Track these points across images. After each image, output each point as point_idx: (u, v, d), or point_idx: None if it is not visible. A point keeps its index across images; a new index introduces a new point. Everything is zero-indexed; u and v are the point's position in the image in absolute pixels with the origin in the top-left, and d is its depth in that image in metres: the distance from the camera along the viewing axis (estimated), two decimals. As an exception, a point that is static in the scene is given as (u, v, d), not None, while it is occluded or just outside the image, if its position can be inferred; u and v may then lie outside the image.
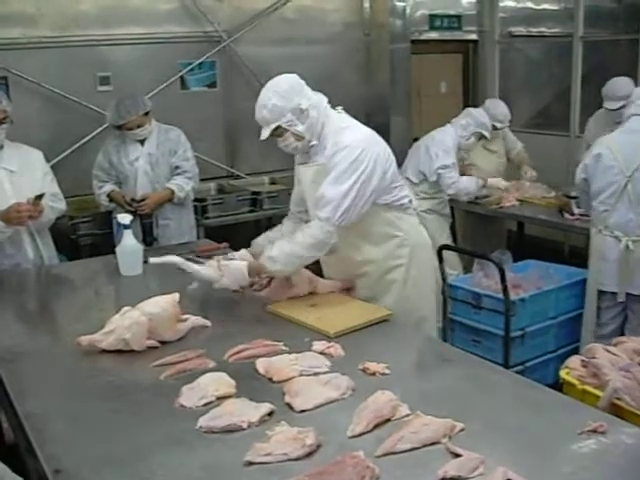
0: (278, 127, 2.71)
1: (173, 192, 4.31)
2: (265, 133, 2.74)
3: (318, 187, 2.74)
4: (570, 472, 1.62)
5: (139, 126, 4.22)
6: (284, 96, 2.69)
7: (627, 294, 3.82)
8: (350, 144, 2.69)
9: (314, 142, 2.77)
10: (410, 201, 2.99)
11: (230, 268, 2.74)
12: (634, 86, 4.67)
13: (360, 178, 2.66)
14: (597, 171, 3.83)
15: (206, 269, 2.78)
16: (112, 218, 4.39)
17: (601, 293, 3.93)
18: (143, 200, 4.19)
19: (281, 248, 2.70)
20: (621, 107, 4.30)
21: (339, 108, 2.88)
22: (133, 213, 3.96)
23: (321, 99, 2.81)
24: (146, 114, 4.24)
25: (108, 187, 4.35)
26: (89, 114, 5.29)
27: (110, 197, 4.34)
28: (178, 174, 4.37)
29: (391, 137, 5.81)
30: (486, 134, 5.21)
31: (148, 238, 4.11)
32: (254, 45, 6.08)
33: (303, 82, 2.78)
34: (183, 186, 4.34)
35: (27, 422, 1.93)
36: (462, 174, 5.24)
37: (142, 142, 4.32)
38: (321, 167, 2.76)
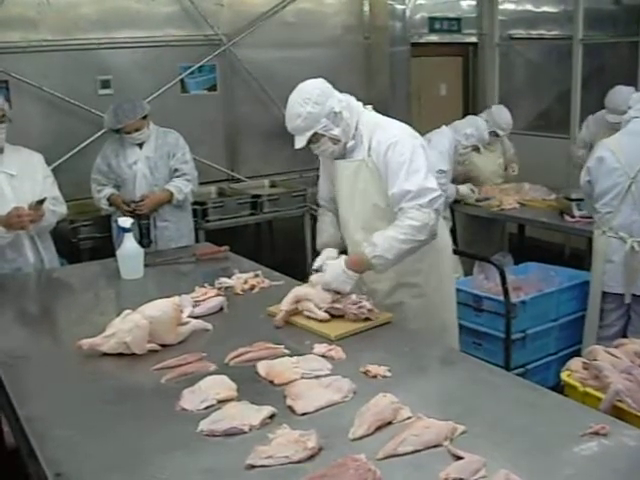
0: (314, 134, 2.70)
1: (172, 194, 4.31)
2: (301, 142, 2.72)
3: (357, 182, 2.79)
4: (572, 474, 1.61)
5: (137, 130, 4.23)
6: (317, 102, 2.67)
7: (632, 295, 3.82)
8: (397, 139, 2.71)
9: (351, 142, 2.79)
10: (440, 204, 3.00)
11: (330, 265, 2.71)
12: None
13: (424, 165, 2.69)
14: (600, 173, 3.84)
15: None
16: (112, 222, 4.41)
17: (605, 295, 3.93)
18: (142, 200, 4.19)
19: (381, 233, 2.67)
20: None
21: (369, 107, 2.90)
22: (131, 215, 3.96)
23: (349, 98, 2.83)
24: (144, 118, 4.25)
25: (107, 191, 4.36)
26: (90, 118, 5.30)
27: (110, 201, 4.35)
28: (177, 176, 4.38)
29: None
30: (481, 148, 5.25)
31: (145, 240, 4.09)
32: (254, 48, 6.09)
33: (329, 85, 2.78)
34: (182, 188, 4.34)
35: (28, 426, 1.93)
36: (466, 176, 5.29)
37: (140, 145, 4.33)
38: (362, 162, 2.78)
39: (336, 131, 2.73)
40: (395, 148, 2.69)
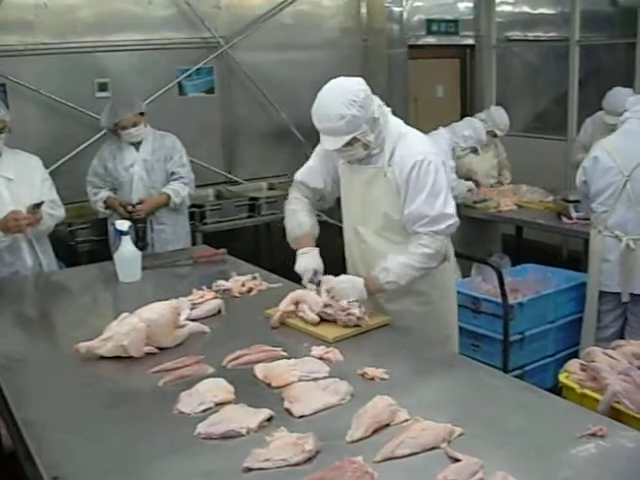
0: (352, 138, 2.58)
1: (169, 197, 4.31)
2: (337, 144, 2.59)
3: (371, 189, 2.74)
4: (569, 476, 1.61)
5: (134, 125, 4.22)
6: (363, 106, 2.54)
7: (630, 295, 3.83)
8: (424, 158, 2.63)
9: (376, 150, 2.70)
10: None
11: (349, 277, 2.71)
12: None
13: (445, 187, 2.67)
14: (596, 173, 3.86)
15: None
16: (109, 225, 4.41)
17: (602, 295, 3.94)
18: (139, 204, 4.19)
19: (395, 258, 2.65)
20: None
21: (389, 110, 2.79)
22: (128, 218, 3.97)
23: (382, 105, 2.72)
24: (141, 114, 4.25)
25: (104, 193, 4.36)
26: (87, 120, 5.29)
27: (106, 204, 4.34)
28: (174, 180, 4.38)
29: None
30: (479, 150, 5.26)
31: (140, 243, 4.06)
32: (252, 51, 6.09)
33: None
34: (179, 191, 4.35)
35: (25, 429, 1.93)
36: (467, 177, 5.33)
37: (137, 148, 4.32)
38: (380, 170, 2.71)
39: (370, 137, 2.62)
40: (421, 167, 2.62)
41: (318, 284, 2.70)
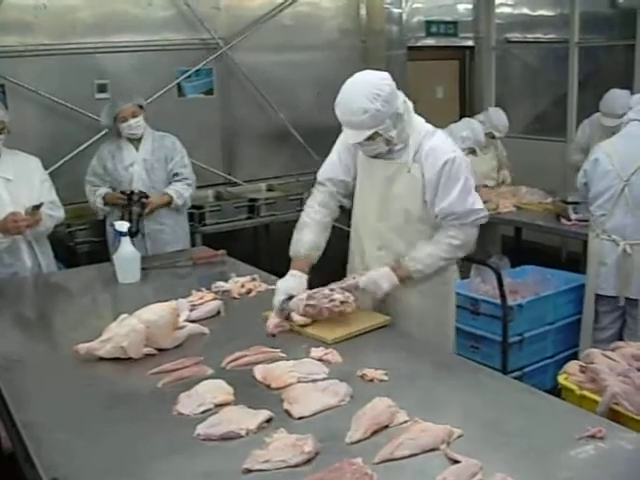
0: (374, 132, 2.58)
1: (172, 198, 4.32)
2: (359, 138, 2.59)
3: (393, 184, 2.72)
4: (569, 478, 1.61)
5: (134, 116, 4.22)
6: (388, 101, 2.53)
7: (626, 298, 3.83)
8: (457, 155, 2.68)
9: (399, 146, 2.70)
10: None
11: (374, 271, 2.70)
12: None
13: (473, 183, 2.74)
14: (595, 176, 3.86)
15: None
16: (108, 226, 4.41)
17: (599, 297, 3.94)
18: (142, 195, 4.18)
19: (422, 248, 2.71)
20: (620, 124, 4.29)
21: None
22: (127, 202, 4.05)
23: (407, 101, 2.72)
24: (140, 108, 4.26)
25: (103, 190, 4.36)
26: (86, 122, 5.29)
27: (105, 200, 4.33)
28: (177, 180, 4.38)
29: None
30: (478, 151, 5.25)
31: (133, 228, 4.02)
32: (251, 52, 6.08)
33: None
34: (182, 193, 4.36)
35: (25, 430, 1.93)
36: None
37: (137, 148, 4.32)
38: (403, 166, 2.70)
39: (393, 133, 2.61)
40: (453, 164, 2.64)
41: (283, 311, 2.59)
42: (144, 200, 4.19)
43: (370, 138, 2.60)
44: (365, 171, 2.84)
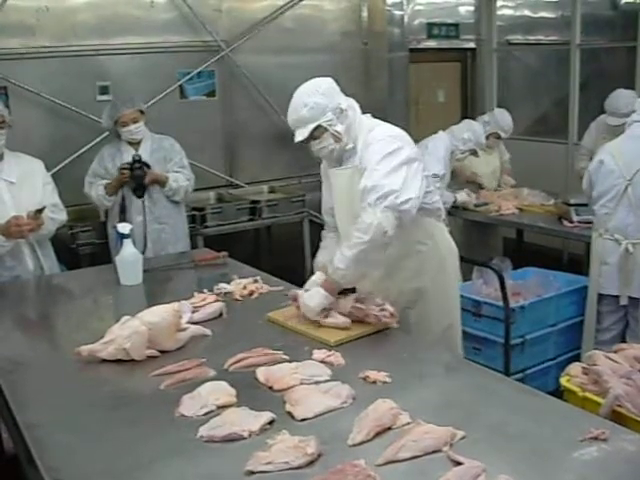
0: (317, 127, 2.66)
1: (167, 179, 4.31)
2: (303, 133, 2.67)
3: (352, 191, 2.72)
4: (571, 479, 1.62)
5: (134, 121, 4.23)
6: (325, 94, 2.66)
7: (628, 298, 3.83)
8: (384, 138, 2.68)
9: (350, 145, 2.74)
10: (439, 208, 3.00)
11: (309, 295, 2.62)
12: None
13: (404, 161, 2.62)
14: (599, 176, 3.88)
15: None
16: (111, 227, 4.41)
17: (602, 297, 3.95)
18: (142, 161, 4.23)
19: (339, 250, 2.62)
20: (624, 123, 4.29)
21: (368, 115, 2.85)
22: (130, 169, 4.15)
23: (353, 102, 2.80)
24: (141, 113, 4.27)
25: (102, 181, 4.34)
26: (88, 124, 5.29)
27: (107, 189, 4.32)
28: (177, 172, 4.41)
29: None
30: (479, 152, 5.26)
31: (138, 192, 4.25)
32: (253, 54, 6.09)
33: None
34: (178, 179, 4.35)
35: (27, 432, 1.93)
36: (471, 181, 5.36)
37: (136, 150, 4.33)
38: (355, 169, 2.73)
39: (339, 128, 2.68)
40: (377, 145, 2.66)
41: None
42: (145, 164, 4.24)
43: (317, 136, 2.68)
44: (331, 184, 2.92)
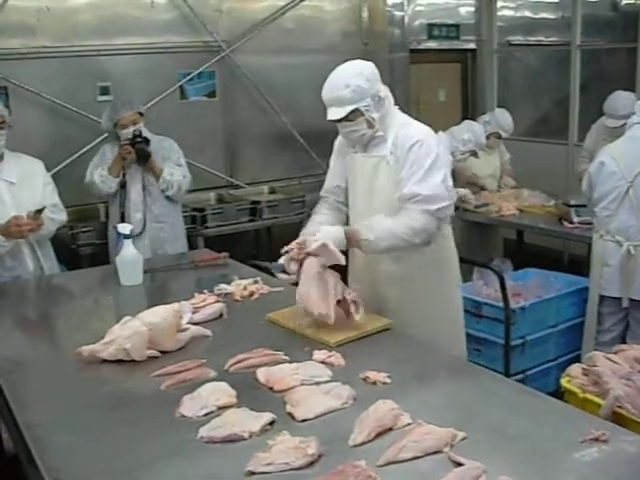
0: (354, 110, 2.65)
1: (162, 170, 4.29)
2: (339, 113, 2.65)
3: (376, 178, 2.76)
4: (572, 481, 1.61)
5: (134, 124, 4.22)
6: (369, 79, 2.66)
7: (629, 300, 3.84)
8: (423, 139, 2.69)
9: (380, 133, 2.76)
10: None
11: (327, 228, 2.66)
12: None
13: (444, 170, 2.70)
14: (600, 178, 3.88)
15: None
16: (112, 227, 4.41)
17: (603, 299, 3.95)
18: (142, 137, 4.22)
19: (382, 220, 2.66)
20: (623, 125, 4.30)
21: (396, 107, 2.86)
22: (132, 144, 4.14)
23: (389, 92, 2.80)
24: (141, 115, 4.27)
25: (104, 166, 4.34)
26: (89, 124, 5.30)
27: (110, 169, 4.29)
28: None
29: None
30: (479, 153, 5.26)
31: (142, 161, 4.24)
32: (253, 55, 6.10)
33: None
34: (173, 173, 4.32)
35: (27, 432, 1.93)
36: (472, 182, 5.40)
37: None
38: (382, 159, 2.76)
39: (375, 115, 2.69)
40: (421, 147, 2.67)
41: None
42: (145, 138, 4.23)
43: (352, 118, 2.67)
44: (350, 169, 2.91)
